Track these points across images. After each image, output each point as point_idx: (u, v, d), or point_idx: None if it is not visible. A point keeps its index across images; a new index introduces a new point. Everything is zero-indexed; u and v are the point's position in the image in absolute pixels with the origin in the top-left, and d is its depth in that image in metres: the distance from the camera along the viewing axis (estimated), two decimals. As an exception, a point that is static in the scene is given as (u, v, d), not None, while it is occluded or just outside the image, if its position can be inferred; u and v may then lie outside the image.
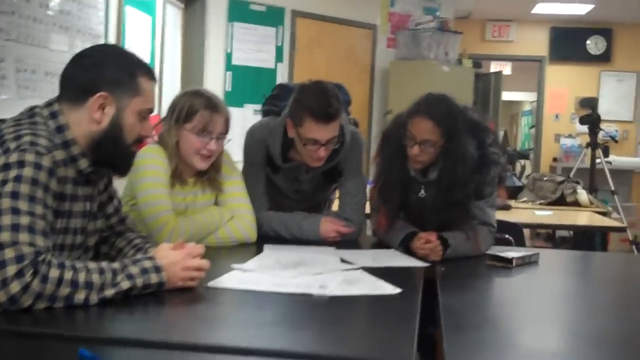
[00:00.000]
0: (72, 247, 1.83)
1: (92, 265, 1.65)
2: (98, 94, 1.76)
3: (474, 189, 2.52)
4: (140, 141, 1.89)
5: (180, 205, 2.48)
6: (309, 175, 2.76)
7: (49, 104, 1.80)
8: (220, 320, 1.61)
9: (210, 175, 2.53)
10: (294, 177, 2.78)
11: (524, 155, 8.55)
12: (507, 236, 3.59)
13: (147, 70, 1.87)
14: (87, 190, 1.87)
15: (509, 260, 2.36)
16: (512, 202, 5.10)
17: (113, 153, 1.84)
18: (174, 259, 1.79)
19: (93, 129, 1.79)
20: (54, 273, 1.55)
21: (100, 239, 2.03)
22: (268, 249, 2.43)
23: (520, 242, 3.66)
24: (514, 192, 5.26)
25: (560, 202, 4.98)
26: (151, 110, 1.90)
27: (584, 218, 4.61)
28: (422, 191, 2.59)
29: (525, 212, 4.63)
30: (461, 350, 1.44)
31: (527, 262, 2.43)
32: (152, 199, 2.37)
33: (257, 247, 2.48)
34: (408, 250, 2.48)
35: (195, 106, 2.41)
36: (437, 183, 2.52)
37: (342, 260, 2.26)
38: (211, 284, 1.87)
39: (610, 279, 2.50)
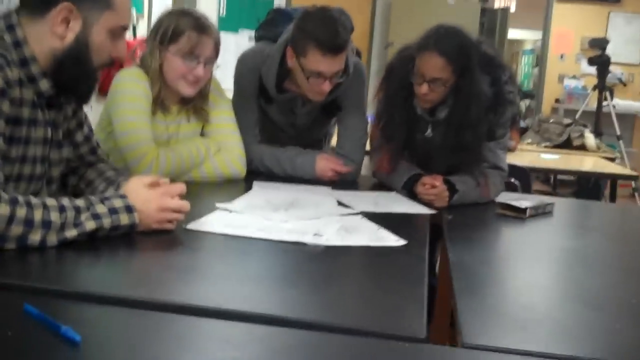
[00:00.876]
0: (30, 178, 1.60)
1: (51, 201, 1.42)
2: (61, 5, 1.51)
3: (487, 130, 2.29)
4: (110, 64, 1.64)
5: (162, 136, 2.24)
6: (305, 108, 2.51)
7: (6, 15, 1.54)
8: (197, 272, 1.37)
9: (196, 103, 2.28)
10: (290, 110, 2.54)
11: (529, 95, 8.26)
12: (512, 180, 3.39)
13: None
14: (50, 115, 1.62)
15: (522, 211, 2.15)
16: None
17: (76, 75, 1.59)
18: (148, 197, 1.57)
19: (55, 45, 1.54)
20: (3, 209, 1.32)
21: (68, 169, 1.81)
22: (258, 186, 2.21)
23: (526, 187, 3.45)
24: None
25: (566, 145, 4.76)
26: (125, 28, 1.66)
27: (590, 163, 4.39)
28: (429, 130, 2.35)
29: (530, 155, 4.41)
30: (475, 318, 1.23)
31: (541, 213, 2.22)
32: (130, 127, 2.12)
33: (245, 184, 2.26)
34: (412, 195, 2.26)
35: (181, 26, 2.14)
36: (447, 123, 2.28)
37: (340, 204, 2.04)
38: (190, 225, 1.65)
39: (630, 233, 2.29)
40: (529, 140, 4.96)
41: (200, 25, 2.15)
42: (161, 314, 1.12)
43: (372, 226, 1.80)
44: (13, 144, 1.50)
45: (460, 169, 2.29)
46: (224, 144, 2.32)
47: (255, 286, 1.30)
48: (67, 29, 1.53)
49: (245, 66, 2.49)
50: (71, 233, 1.41)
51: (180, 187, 1.65)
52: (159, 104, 2.21)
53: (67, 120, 1.74)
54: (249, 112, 2.49)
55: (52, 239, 1.38)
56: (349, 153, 2.51)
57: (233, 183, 2.27)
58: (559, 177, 6.35)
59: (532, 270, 1.65)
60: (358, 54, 2.69)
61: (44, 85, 1.56)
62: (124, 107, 2.14)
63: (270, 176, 2.40)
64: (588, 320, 1.29)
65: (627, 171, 4.30)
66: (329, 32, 2.21)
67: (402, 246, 1.64)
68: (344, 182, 2.42)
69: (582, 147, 4.75)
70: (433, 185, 2.20)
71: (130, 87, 2.16)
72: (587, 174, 4.47)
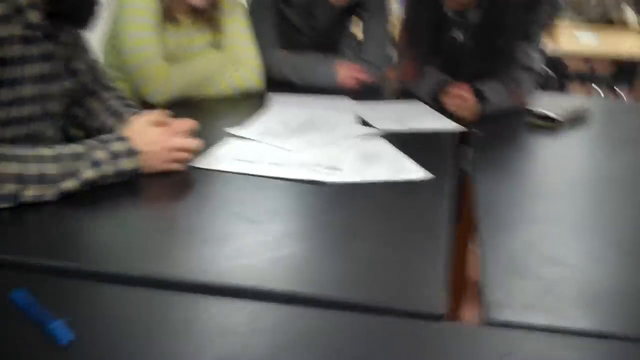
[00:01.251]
0: (29, 119, 1.49)
1: (45, 151, 1.33)
2: None
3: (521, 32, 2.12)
4: None
5: (174, 50, 2.10)
6: (325, 10, 2.33)
7: None
8: (197, 233, 1.26)
9: (208, 12, 2.12)
10: (309, 13, 2.37)
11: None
12: (548, 72, 3.22)
13: None
14: (45, 48, 1.50)
15: (554, 121, 2.01)
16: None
17: (76, 6, 1.47)
18: (154, 137, 1.47)
19: None
20: None
21: (72, 100, 1.69)
22: (275, 103, 2.08)
23: (562, 80, 3.28)
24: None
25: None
26: None
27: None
28: (460, 34, 2.18)
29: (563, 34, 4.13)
30: (501, 284, 1.13)
31: (575, 119, 2.08)
32: (137, 44, 1.99)
33: (262, 98, 2.13)
34: (439, 104, 2.12)
35: None
36: (480, 27, 2.11)
37: (360, 121, 1.93)
38: (198, 163, 1.55)
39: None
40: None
41: None
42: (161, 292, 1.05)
43: (393, 153, 1.68)
44: (2, 87, 1.39)
45: (491, 74, 2.14)
46: (240, 56, 2.18)
47: (255, 252, 1.19)
48: None
49: None
50: (70, 184, 1.32)
51: (189, 123, 1.55)
52: (168, 15, 2.06)
53: (67, 47, 1.62)
54: (266, 16, 2.33)
55: (49, 193, 1.30)
56: (373, 58, 2.35)
57: (250, 98, 2.15)
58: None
59: (567, 207, 1.51)
60: None
61: (33, 16, 1.43)
62: (129, 23, 2.00)
63: (289, 85, 2.27)
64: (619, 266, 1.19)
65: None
66: None
67: (426, 181, 1.53)
68: (368, 90, 2.27)
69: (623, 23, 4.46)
70: (460, 96, 2.06)
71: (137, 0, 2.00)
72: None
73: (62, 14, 1.48)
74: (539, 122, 2.02)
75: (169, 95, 1.99)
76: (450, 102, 2.07)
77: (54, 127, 1.58)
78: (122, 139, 1.43)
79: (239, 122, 1.84)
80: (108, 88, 1.76)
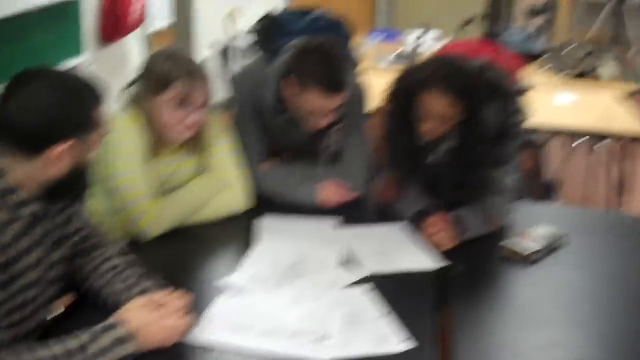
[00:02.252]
0: (30, 302, 1.58)
1: (42, 353, 1.42)
2: (61, 145, 1.48)
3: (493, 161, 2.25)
4: None
5: (163, 176, 2.19)
6: (303, 131, 2.42)
7: None
8: None
9: (195, 139, 2.21)
10: (287, 132, 2.45)
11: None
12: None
13: (97, 94, 1.58)
14: (41, 229, 1.59)
15: (525, 257, 2.10)
16: (533, 70, 4.70)
17: (70, 188, 1.59)
18: (147, 319, 1.57)
19: (50, 174, 1.52)
20: None
21: (73, 252, 1.78)
22: (264, 231, 2.18)
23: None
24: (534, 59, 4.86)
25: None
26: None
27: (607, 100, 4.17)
28: (436, 160, 2.29)
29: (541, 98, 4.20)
30: None
31: (551, 250, 2.17)
32: (127, 182, 2.08)
33: (250, 220, 2.23)
34: (418, 226, 2.23)
35: (172, 74, 2.04)
36: (452, 157, 2.24)
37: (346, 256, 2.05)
38: (191, 336, 1.64)
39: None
40: (550, 65, 4.75)
41: (191, 71, 2.06)
42: None
43: (375, 313, 1.78)
44: (6, 287, 1.47)
45: (467, 199, 2.26)
46: (227, 180, 2.27)
47: None
48: (61, 162, 1.51)
49: (242, 87, 2.44)
50: None
51: (182, 300, 1.64)
52: (155, 145, 2.15)
53: (62, 211, 1.70)
54: (250, 129, 2.43)
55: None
56: (352, 175, 2.44)
57: (238, 220, 2.25)
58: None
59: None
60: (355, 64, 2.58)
61: (34, 207, 1.52)
62: (118, 163, 2.08)
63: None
64: None
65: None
66: (331, 72, 2.19)
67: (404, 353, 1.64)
68: (349, 209, 2.36)
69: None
70: (438, 225, 2.17)
71: (123, 139, 2.09)
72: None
73: (59, 198, 1.59)
74: (512, 256, 2.12)
75: (162, 230, 2.08)
76: (428, 232, 2.17)
77: (52, 292, 1.67)
78: (115, 325, 1.51)
79: (230, 259, 1.94)
80: (108, 242, 1.85)
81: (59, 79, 1.53)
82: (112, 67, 4.41)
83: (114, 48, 4.26)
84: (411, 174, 2.34)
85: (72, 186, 1.59)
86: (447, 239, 2.16)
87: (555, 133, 4.10)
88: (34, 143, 1.47)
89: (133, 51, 4.54)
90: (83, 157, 1.55)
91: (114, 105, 2.13)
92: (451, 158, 2.25)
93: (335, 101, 2.21)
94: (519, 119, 2.25)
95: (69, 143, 1.49)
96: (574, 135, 4.12)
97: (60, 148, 1.48)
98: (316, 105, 2.21)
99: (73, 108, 1.50)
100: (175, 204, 2.13)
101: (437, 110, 2.12)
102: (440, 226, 2.17)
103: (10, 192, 1.48)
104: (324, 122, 2.26)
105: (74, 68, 3.97)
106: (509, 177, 2.30)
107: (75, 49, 3.95)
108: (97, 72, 4.18)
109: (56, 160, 1.49)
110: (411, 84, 2.19)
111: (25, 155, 1.47)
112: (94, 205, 2.08)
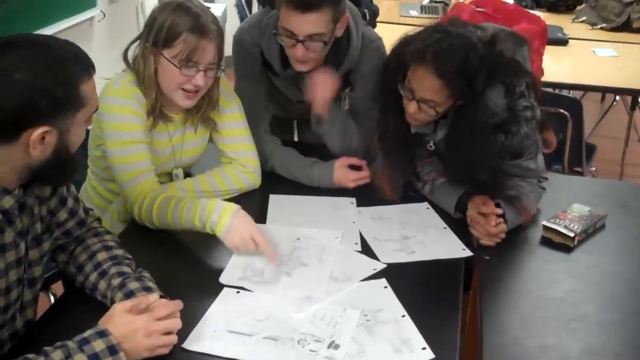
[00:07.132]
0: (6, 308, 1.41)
1: None
2: (36, 130, 1.28)
3: (507, 151, 1.94)
4: None
5: (165, 151, 2.01)
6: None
7: None
8: None
9: (202, 109, 1.99)
10: (295, 85, 2.23)
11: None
12: (562, 111, 3.06)
13: (85, 67, 1.36)
14: (20, 223, 1.40)
15: (569, 238, 1.88)
16: (569, 22, 4.42)
17: (55, 172, 1.39)
18: (134, 325, 1.39)
19: (30, 161, 1.33)
20: None
21: (55, 246, 1.62)
22: (272, 206, 2.03)
23: (577, 120, 3.10)
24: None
25: (624, 28, 4.26)
26: (97, 108, 1.42)
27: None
28: (431, 143, 2.03)
29: (581, 48, 3.95)
30: None
31: (592, 232, 1.95)
32: (125, 161, 1.88)
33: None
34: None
35: (177, 27, 1.81)
36: (446, 153, 1.98)
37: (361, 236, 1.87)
38: (188, 345, 1.46)
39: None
40: (584, 18, 4.46)
41: (199, 25, 1.81)
42: None
43: (395, 314, 1.56)
44: None
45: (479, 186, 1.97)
46: (237, 155, 2.07)
47: None
48: (44, 145, 1.31)
49: (243, 46, 2.18)
50: None
51: (170, 307, 1.46)
52: (158, 114, 1.93)
53: (45, 201, 1.52)
54: (256, 96, 2.22)
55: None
56: (363, 145, 2.19)
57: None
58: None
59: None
60: (374, 15, 2.31)
61: (7, 202, 1.35)
62: (115, 138, 1.88)
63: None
64: None
65: None
66: None
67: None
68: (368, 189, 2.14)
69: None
70: (492, 213, 1.89)
71: (121, 112, 1.87)
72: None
73: (41, 182, 1.43)
74: (553, 237, 1.90)
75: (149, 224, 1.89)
76: (475, 228, 1.91)
77: (34, 291, 1.53)
78: (101, 333, 1.34)
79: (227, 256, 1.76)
80: (95, 230, 1.69)
81: (39, 50, 1.30)
82: (126, 22, 4.24)
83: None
84: (404, 166, 2.08)
85: (57, 172, 1.39)
86: (492, 237, 1.89)
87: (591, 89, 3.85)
88: (6, 127, 1.27)
89: (149, 2, 4.34)
90: (68, 138, 1.35)
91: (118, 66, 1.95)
92: (447, 150, 1.97)
93: (303, 22, 1.90)
94: (529, 103, 1.90)
95: (49, 125, 1.29)
96: (612, 92, 3.86)
97: (39, 130, 1.28)
98: (284, 25, 1.93)
99: (53, 85, 1.28)
100: (175, 209, 1.83)
101: (423, 92, 1.83)
102: (489, 221, 1.89)
103: None
104: (296, 52, 1.96)
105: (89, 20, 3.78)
106: (533, 162, 2.02)
107: (90, 1, 3.82)
108: (110, 26, 4.01)
109: (36, 146, 1.29)
110: (400, 58, 1.90)
111: (2, 143, 1.28)
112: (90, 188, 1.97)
